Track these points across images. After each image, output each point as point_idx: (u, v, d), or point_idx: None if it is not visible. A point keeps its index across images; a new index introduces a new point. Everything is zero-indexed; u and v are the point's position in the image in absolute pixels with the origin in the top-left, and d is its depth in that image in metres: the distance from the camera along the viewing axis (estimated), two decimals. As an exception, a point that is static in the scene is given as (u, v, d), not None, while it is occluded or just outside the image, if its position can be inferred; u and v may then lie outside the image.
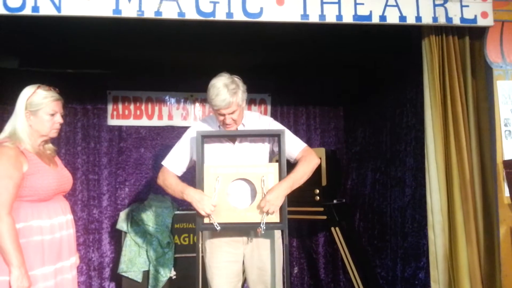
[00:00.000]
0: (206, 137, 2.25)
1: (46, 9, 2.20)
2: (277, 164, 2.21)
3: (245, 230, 2.30)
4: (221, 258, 2.29)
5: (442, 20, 2.47)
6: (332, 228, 3.71)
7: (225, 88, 2.15)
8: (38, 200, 1.92)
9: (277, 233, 2.36)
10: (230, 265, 2.29)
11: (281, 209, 2.17)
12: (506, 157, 2.51)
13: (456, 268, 2.52)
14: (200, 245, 2.26)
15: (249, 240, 2.31)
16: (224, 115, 2.21)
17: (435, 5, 2.47)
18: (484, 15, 2.50)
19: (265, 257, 2.31)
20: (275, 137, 2.30)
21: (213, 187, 2.19)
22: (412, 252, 3.34)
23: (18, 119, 1.96)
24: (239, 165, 2.23)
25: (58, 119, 2.04)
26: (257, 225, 2.18)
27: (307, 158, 2.28)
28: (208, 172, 2.21)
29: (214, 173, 2.21)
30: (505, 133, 2.53)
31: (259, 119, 2.42)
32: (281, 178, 2.18)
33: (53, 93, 2.02)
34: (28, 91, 1.99)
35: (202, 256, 2.34)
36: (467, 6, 2.48)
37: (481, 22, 2.51)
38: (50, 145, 2.11)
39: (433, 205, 2.58)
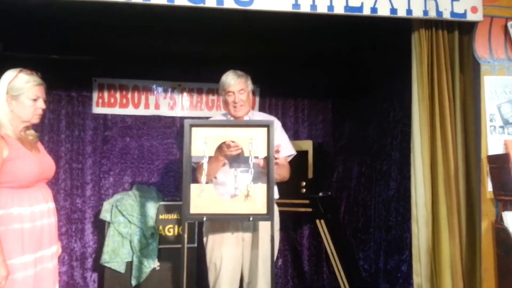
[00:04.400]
0: (194, 126, 2.21)
1: (30, -8, 2.13)
2: (265, 128, 2.18)
3: (235, 224, 2.38)
4: (223, 249, 2.39)
5: (432, 14, 2.47)
6: (317, 221, 3.73)
7: (233, 72, 2.49)
8: (19, 186, 1.87)
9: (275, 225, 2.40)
10: (231, 256, 2.40)
11: (268, 200, 2.16)
12: (491, 152, 2.53)
13: (438, 262, 2.55)
14: (185, 236, 2.23)
15: (241, 227, 2.40)
16: (233, 93, 2.42)
17: (426, -1, 2.47)
18: (474, 10, 2.51)
19: (262, 248, 2.39)
20: (264, 127, 2.27)
21: (202, 150, 2.14)
22: (395, 245, 3.37)
23: (-2, 104, 1.90)
24: (227, 127, 2.20)
25: (41, 104, 1.98)
26: (243, 216, 2.17)
27: (288, 167, 2.49)
28: (195, 134, 2.16)
29: (202, 135, 2.16)
30: (490, 129, 2.55)
31: (267, 117, 2.61)
32: (269, 169, 2.16)
33: (35, 78, 1.96)
34: (10, 75, 1.93)
35: (201, 249, 2.47)
36: (458, 0, 2.49)
37: (470, 17, 2.52)
38: (32, 131, 2.06)
39: (417, 199, 2.60)
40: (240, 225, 2.43)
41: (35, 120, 2.00)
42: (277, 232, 2.48)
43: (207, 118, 4.12)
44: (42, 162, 1.98)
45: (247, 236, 2.44)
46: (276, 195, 2.55)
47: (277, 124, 2.48)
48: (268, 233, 2.31)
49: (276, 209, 2.56)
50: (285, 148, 2.47)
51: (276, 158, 2.17)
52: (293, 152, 2.58)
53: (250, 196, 2.15)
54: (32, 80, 1.95)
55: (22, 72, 1.95)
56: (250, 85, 2.51)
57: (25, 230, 1.87)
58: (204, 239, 2.50)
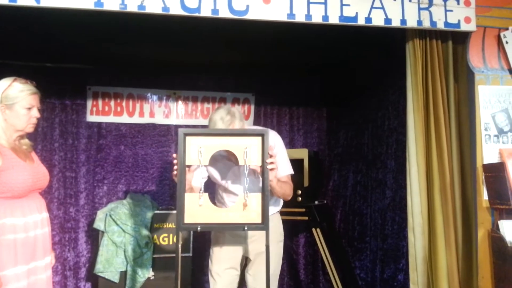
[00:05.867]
0: (188, 135, 2.20)
1: (25, -1, 2.12)
2: (260, 137, 2.16)
3: (239, 238, 2.41)
4: (224, 260, 2.42)
5: (426, 24, 2.49)
6: (313, 229, 3.71)
7: (221, 121, 2.28)
8: (12, 197, 1.85)
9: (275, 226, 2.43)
10: (231, 268, 2.43)
11: (263, 209, 2.15)
12: (486, 161, 2.54)
13: (435, 270, 2.54)
14: (179, 245, 2.21)
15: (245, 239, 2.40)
16: None
17: (420, 9, 2.48)
18: (467, 20, 2.53)
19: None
20: (259, 136, 2.26)
21: (196, 159, 2.13)
22: (391, 253, 3.37)
23: (-8, 113, 1.88)
24: (221, 136, 2.17)
25: (35, 113, 1.97)
26: (239, 225, 2.15)
27: (291, 185, 2.40)
28: (190, 143, 2.13)
29: (196, 144, 2.13)
30: (485, 137, 2.56)
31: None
32: (264, 178, 2.15)
33: (29, 86, 1.95)
34: (4, 84, 1.92)
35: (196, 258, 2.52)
36: (451, 10, 2.51)
37: (464, 27, 2.54)
38: (26, 140, 2.04)
39: (413, 208, 2.59)
40: (244, 237, 2.42)
41: (29, 129, 1.98)
42: (280, 243, 2.51)
43: (203, 126, 4.16)
44: (36, 172, 1.96)
45: (252, 248, 2.42)
46: (278, 206, 2.54)
47: (277, 139, 2.44)
48: (273, 245, 2.29)
49: (279, 220, 2.56)
50: (287, 166, 2.43)
51: (271, 163, 2.15)
52: (292, 172, 2.51)
53: (247, 205, 2.14)
54: (27, 89, 1.94)
55: (17, 80, 1.93)
56: (240, 124, 2.32)
57: (18, 241, 1.84)
58: (211, 250, 2.51)
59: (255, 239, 2.42)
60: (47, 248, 2.01)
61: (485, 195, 2.53)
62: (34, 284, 1.90)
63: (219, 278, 2.41)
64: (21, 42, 3.25)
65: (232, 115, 2.30)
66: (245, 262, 2.52)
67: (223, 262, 2.43)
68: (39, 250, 1.93)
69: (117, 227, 3.48)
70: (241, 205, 2.15)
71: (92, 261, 3.71)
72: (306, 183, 3.75)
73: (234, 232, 2.42)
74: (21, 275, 1.84)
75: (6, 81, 1.92)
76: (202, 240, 3.69)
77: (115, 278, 3.44)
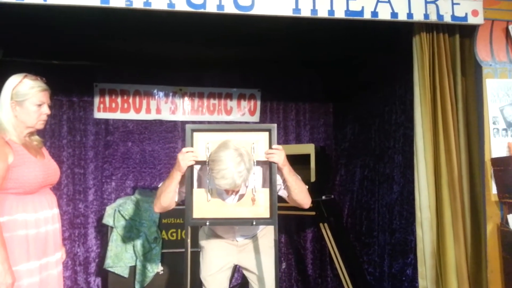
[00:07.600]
0: (196, 131, 2.21)
1: (32, -3, 2.14)
2: (267, 132, 2.16)
3: (233, 235, 2.36)
4: (214, 265, 2.38)
5: (433, 17, 2.48)
6: (321, 224, 3.72)
7: (232, 178, 1.98)
8: (24, 192, 1.87)
9: (268, 233, 2.39)
10: (221, 272, 2.39)
11: (271, 204, 2.16)
12: (494, 155, 2.53)
13: (444, 265, 2.54)
14: (189, 240, 2.23)
15: (238, 243, 2.37)
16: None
17: (426, 2, 2.47)
18: (475, 13, 2.51)
19: (258, 259, 2.37)
20: (266, 131, 2.27)
21: (203, 155, 2.12)
22: (399, 248, 3.36)
23: (2, 110, 1.89)
24: (229, 131, 2.17)
25: (45, 110, 1.98)
26: (246, 220, 2.16)
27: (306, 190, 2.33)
28: (197, 139, 2.13)
29: (203, 140, 2.13)
30: (493, 131, 2.54)
31: None
32: (271, 173, 2.15)
33: (40, 83, 1.96)
34: (14, 81, 1.93)
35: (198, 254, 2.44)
36: (458, 4, 2.49)
37: (471, 20, 2.52)
38: (36, 137, 2.05)
39: (421, 202, 2.59)
40: (237, 233, 2.38)
41: (40, 126, 1.99)
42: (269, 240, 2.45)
43: (209, 122, 4.17)
44: (46, 168, 1.98)
45: (243, 256, 2.40)
46: None
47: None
48: (268, 240, 2.30)
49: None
50: None
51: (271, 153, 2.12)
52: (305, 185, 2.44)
53: (255, 200, 2.15)
54: (37, 85, 1.95)
55: (27, 77, 1.94)
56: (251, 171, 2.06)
57: (30, 237, 1.86)
58: (201, 253, 2.48)
59: (245, 247, 2.39)
60: (58, 243, 2.03)
61: (493, 189, 2.52)
62: (46, 280, 1.92)
63: (208, 284, 2.39)
64: (28, 40, 3.27)
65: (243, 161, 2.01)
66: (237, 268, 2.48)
67: (211, 267, 2.40)
68: (50, 246, 1.96)
69: (126, 222, 3.52)
70: (249, 200, 2.16)
71: (102, 256, 3.75)
72: (313, 178, 3.75)
73: (225, 239, 2.40)
74: (34, 271, 1.86)
75: (16, 77, 1.94)
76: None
77: (125, 273, 3.47)
